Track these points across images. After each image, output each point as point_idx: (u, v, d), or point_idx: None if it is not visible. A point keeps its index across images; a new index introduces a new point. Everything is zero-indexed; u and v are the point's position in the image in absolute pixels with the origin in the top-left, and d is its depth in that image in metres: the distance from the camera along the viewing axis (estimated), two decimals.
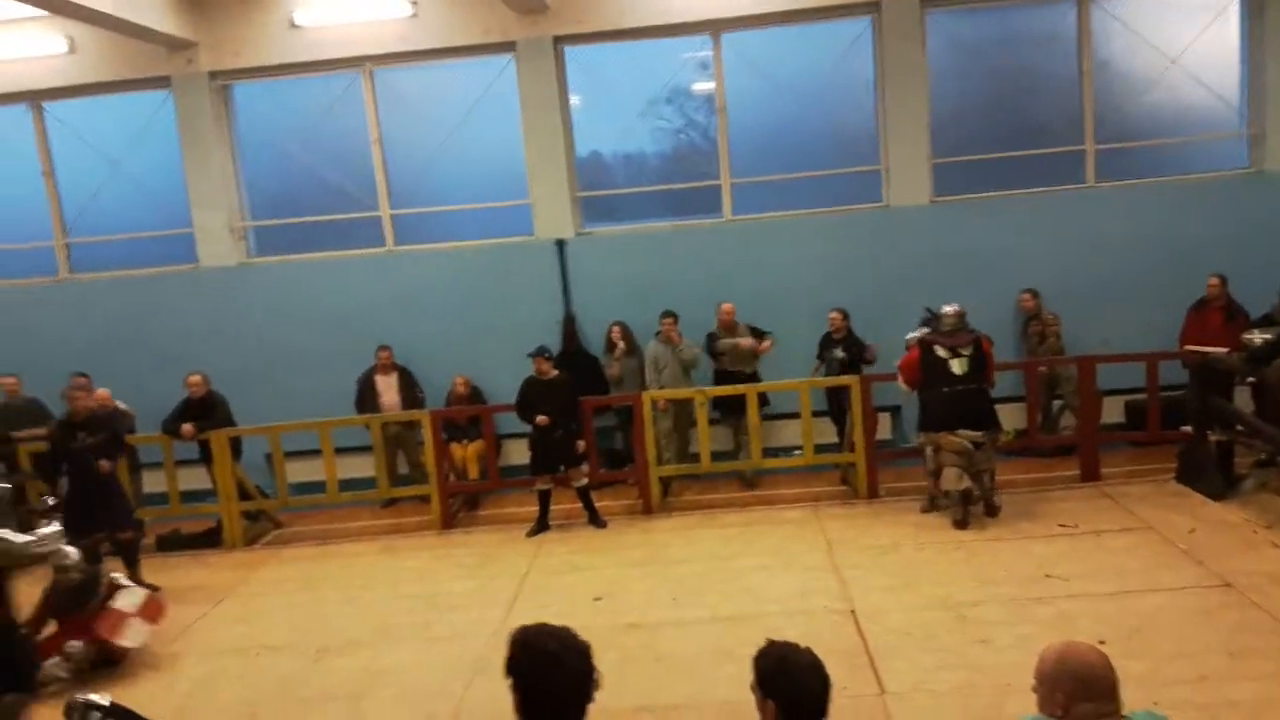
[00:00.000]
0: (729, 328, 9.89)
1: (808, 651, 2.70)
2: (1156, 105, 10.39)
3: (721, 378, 9.82)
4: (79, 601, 6.58)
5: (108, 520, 8.06)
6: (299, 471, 9.86)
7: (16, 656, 5.27)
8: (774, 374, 9.87)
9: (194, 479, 9.89)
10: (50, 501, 9.20)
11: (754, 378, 9.76)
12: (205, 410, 9.43)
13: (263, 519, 9.84)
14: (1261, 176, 10.18)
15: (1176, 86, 10.30)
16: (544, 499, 8.94)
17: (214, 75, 10.80)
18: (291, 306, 10.81)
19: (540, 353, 8.88)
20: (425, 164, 10.88)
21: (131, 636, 6.66)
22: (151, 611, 6.88)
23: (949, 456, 7.99)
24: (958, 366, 8.05)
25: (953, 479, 7.93)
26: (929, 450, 8.24)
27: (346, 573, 8.27)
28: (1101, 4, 10.20)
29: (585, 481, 8.98)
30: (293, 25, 10.52)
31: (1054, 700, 2.62)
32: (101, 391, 9.23)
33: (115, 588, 6.81)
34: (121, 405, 9.60)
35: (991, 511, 8.05)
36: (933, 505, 8.40)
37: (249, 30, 10.60)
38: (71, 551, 6.23)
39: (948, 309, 8.16)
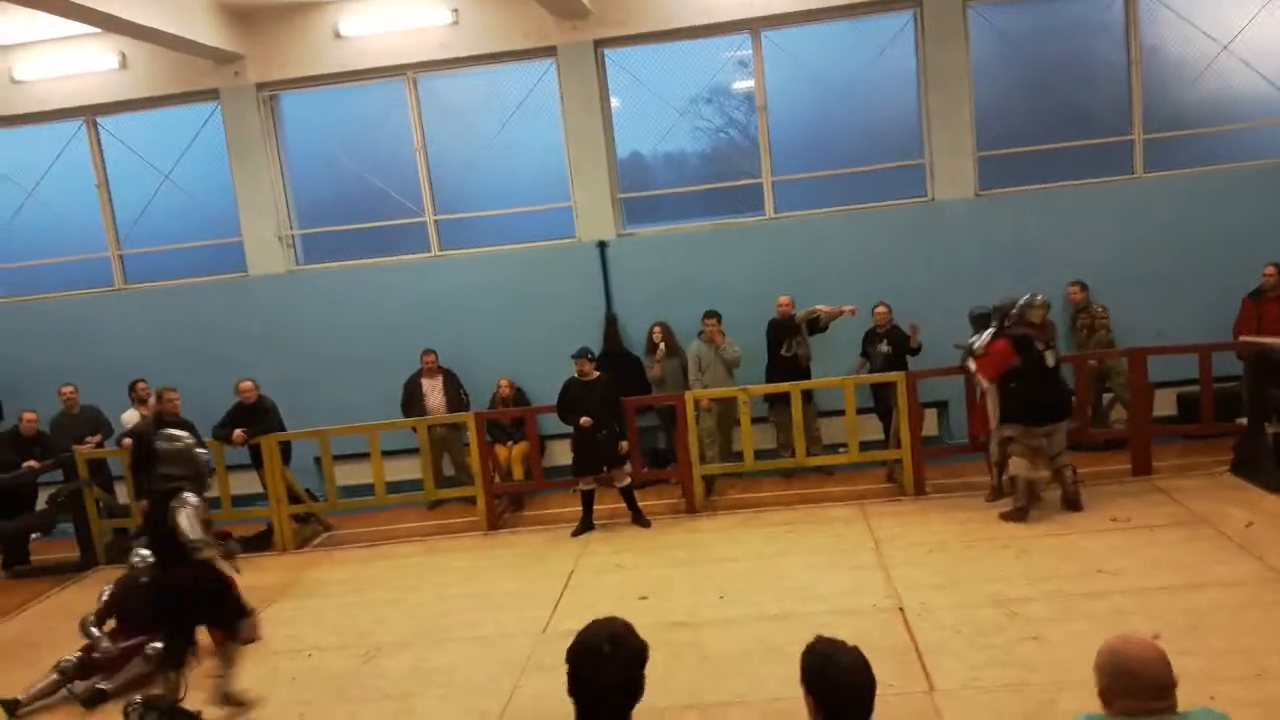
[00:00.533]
0: (787, 319, 9.86)
1: (854, 650, 2.69)
2: (1207, 93, 10.18)
3: (777, 369, 9.75)
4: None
5: None
6: (347, 474, 10.02)
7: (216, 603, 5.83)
8: (818, 371, 9.86)
9: (245, 483, 10.06)
10: (101, 507, 9.46)
11: (808, 371, 9.78)
12: (256, 416, 9.58)
13: (313, 522, 10.00)
14: None
15: (1227, 73, 10.07)
16: (587, 499, 8.98)
17: (261, 86, 11.01)
18: (338, 312, 10.99)
19: (582, 354, 8.92)
20: (468, 169, 11.00)
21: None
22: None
23: (1021, 447, 7.91)
24: (1050, 359, 7.99)
25: (1025, 467, 7.86)
26: (995, 443, 8.16)
27: (395, 574, 8.37)
28: None
29: (628, 482, 9.00)
30: (337, 35, 10.70)
31: (1102, 694, 2.60)
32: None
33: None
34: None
35: (1074, 505, 7.95)
36: (999, 495, 8.32)
37: (295, 42, 10.80)
38: (146, 553, 6.31)
39: (1038, 299, 8.05)
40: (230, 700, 5.97)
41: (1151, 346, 9.12)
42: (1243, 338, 8.69)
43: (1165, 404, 9.60)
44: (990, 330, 8.18)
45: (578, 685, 2.60)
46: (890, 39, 10.33)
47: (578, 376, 8.93)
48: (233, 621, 5.95)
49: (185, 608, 5.76)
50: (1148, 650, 2.54)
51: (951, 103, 10.16)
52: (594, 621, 2.70)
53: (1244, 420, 8.39)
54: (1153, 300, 9.86)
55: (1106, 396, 9.89)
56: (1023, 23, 10.39)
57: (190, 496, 5.66)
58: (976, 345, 8.25)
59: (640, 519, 8.96)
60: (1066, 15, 10.38)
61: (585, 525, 8.94)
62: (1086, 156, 10.24)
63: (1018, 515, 7.87)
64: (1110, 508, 7.89)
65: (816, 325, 9.79)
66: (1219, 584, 6.28)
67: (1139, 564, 6.71)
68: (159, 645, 6.15)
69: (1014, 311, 8.07)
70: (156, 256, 11.57)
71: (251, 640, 6.18)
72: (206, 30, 10.13)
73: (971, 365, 8.25)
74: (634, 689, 2.60)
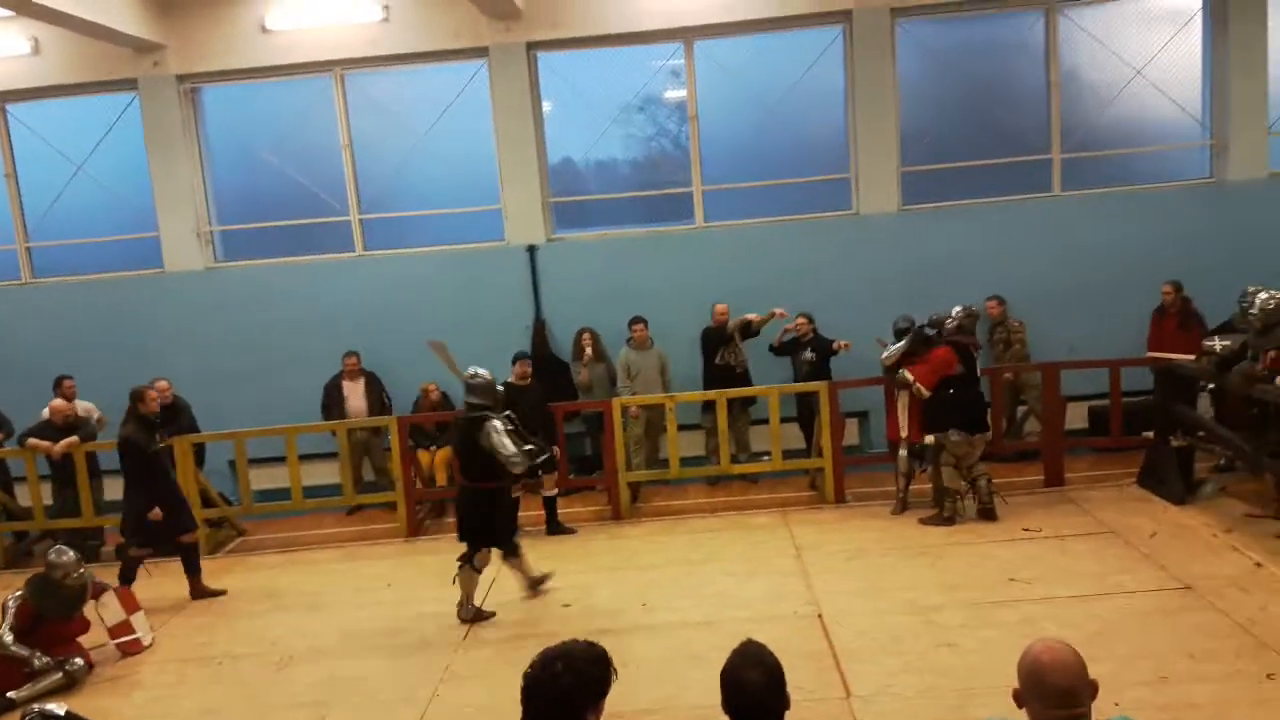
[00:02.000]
0: (721, 327, 9.96)
1: (756, 655, 2.74)
2: (1122, 115, 10.55)
3: (713, 377, 9.84)
4: (73, 607, 6.49)
5: (173, 524, 7.92)
6: (263, 478, 9.79)
7: (498, 518, 7.03)
8: (759, 378, 9.98)
9: None
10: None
11: (745, 377, 9.86)
12: (169, 416, 9.27)
13: (226, 526, 9.73)
14: (1223, 187, 10.35)
15: (1141, 97, 10.45)
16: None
17: (182, 78, 10.71)
18: (257, 312, 10.71)
19: (522, 356, 8.86)
20: (396, 168, 10.85)
21: (142, 632, 6.91)
22: (129, 602, 6.98)
23: (951, 456, 8.09)
24: (976, 368, 8.24)
25: (953, 475, 8.08)
26: (905, 452, 8.30)
27: (311, 580, 8.19)
28: (1069, 15, 10.35)
29: (555, 491, 8.92)
30: (263, 29, 10.46)
31: (1016, 696, 2.63)
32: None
33: (100, 589, 6.84)
34: (84, 410, 9.54)
35: (989, 515, 8.10)
36: (905, 508, 8.46)
37: (218, 33, 10.53)
38: (71, 553, 6.27)
39: (976, 309, 8.20)
40: (535, 585, 7.27)
41: (1065, 361, 9.38)
42: (1150, 354, 8.99)
43: (1077, 416, 9.88)
44: (900, 344, 8.27)
45: (525, 701, 2.66)
46: (820, 52, 10.48)
47: (515, 380, 8.83)
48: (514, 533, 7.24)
49: (491, 514, 6.96)
50: (1062, 656, 2.56)
51: (878, 117, 10.34)
52: (571, 639, 2.79)
53: (1151, 434, 8.67)
54: (1067, 315, 10.15)
55: (1021, 409, 10.14)
56: (949, 40, 10.65)
57: (496, 421, 6.76)
58: (884, 355, 8.37)
59: (559, 528, 8.87)
60: (991, 35, 10.68)
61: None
62: (1007, 173, 10.52)
63: (945, 522, 8.03)
64: (1023, 518, 8.09)
65: (749, 330, 9.89)
66: (1125, 592, 6.49)
67: (1049, 573, 6.90)
68: (80, 661, 6.41)
69: (952, 323, 8.24)
70: (68, 250, 11.14)
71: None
72: (125, 18, 9.82)
73: (909, 375, 8.21)
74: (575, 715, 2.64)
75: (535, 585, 7.29)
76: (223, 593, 8.00)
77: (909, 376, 8.17)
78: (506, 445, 6.68)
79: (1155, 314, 9.65)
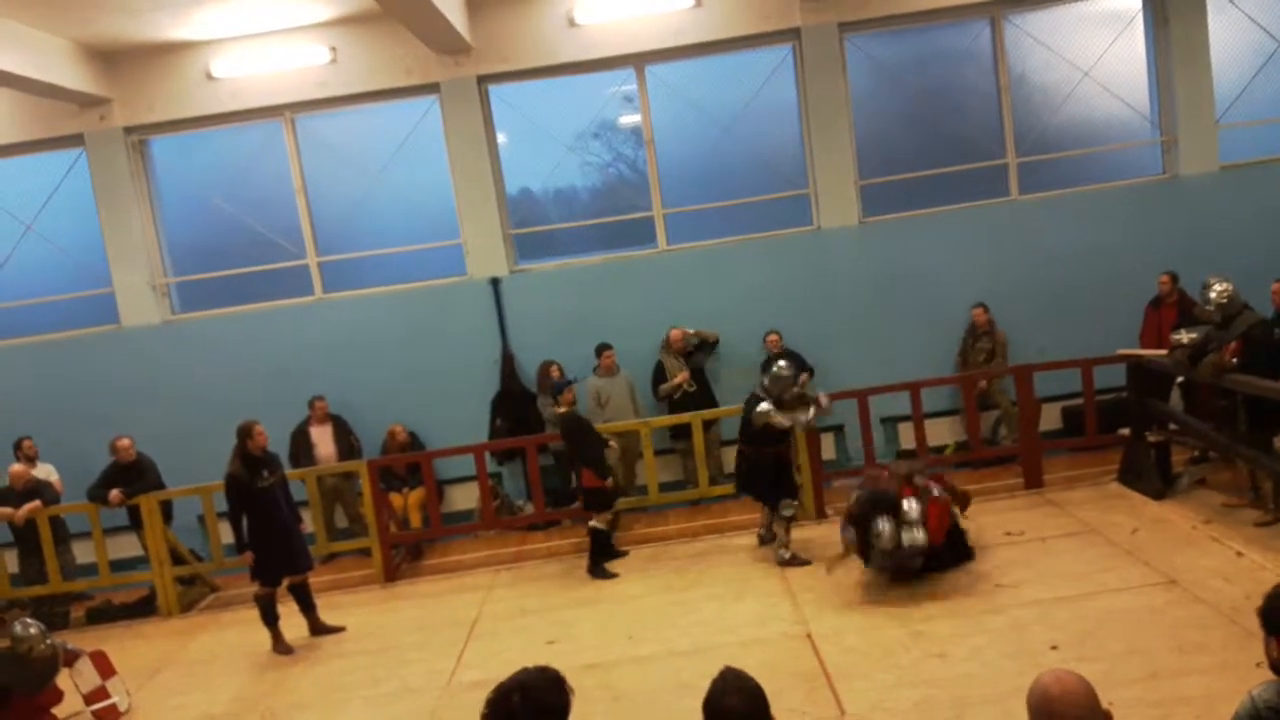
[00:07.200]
0: (679, 354, 9.99)
1: (736, 681, 2.72)
2: (1073, 117, 10.66)
3: (675, 403, 9.87)
4: (43, 680, 6.21)
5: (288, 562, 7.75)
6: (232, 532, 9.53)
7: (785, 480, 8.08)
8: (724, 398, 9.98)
9: (125, 546, 9.59)
10: None
11: (712, 399, 9.84)
12: (134, 474, 9.12)
13: (198, 583, 9.49)
14: (1175, 182, 10.47)
15: (1091, 98, 10.58)
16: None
17: (129, 130, 10.55)
18: (219, 362, 10.51)
19: (568, 384, 8.65)
20: (353, 209, 10.72)
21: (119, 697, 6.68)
22: (104, 667, 6.76)
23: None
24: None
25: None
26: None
27: (289, 633, 7.96)
28: (1014, 21, 10.47)
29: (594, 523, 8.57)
30: (209, 77, 10.34)
31: None
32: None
33: (73, 656, 6.61)
34: (43, 474, 9.32)
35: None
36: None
37: (164, 83, 10.39)
38: (36, 624, 6.03)
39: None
40: (793, 561, 7.80)
41: (1037, 363, 9.41)
42: (1121, 351, 9.00)
43: (1051, 418, 9.90)
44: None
45: None
46: (771, 72, 10.52)
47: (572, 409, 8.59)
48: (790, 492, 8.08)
49: (773, 478, 7.97)
50: (1071, 686, 2.49)
51: (833, 132, 10.38)
52: (523, 669, 2.70)
53: (1126, 430, 8.69)
54: (1034, 317, 10.19)
55: (994, 413, 10.14)
56: (898, 53, 10.73)
57: (765, 401, 7.79)
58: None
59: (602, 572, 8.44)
60: (938, 45, 10.76)
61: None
62: (964, 181, 10.58)
63: None
64: (1005, 522, 8.06)
65: (704, 345, 9.99)
66: (1110, 590, 6.47)
67: (1035, 575, 6.88)
68: None
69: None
70: (20, 311, 10.89)
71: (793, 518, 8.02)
72: (68, 73, 9.66)
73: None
74: None
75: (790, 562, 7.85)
76: (342, 629, 7.86)
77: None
78: (781, 419, 7.82)
79: (1149, 306, 9.64)
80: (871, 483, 7.26)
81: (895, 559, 6.89)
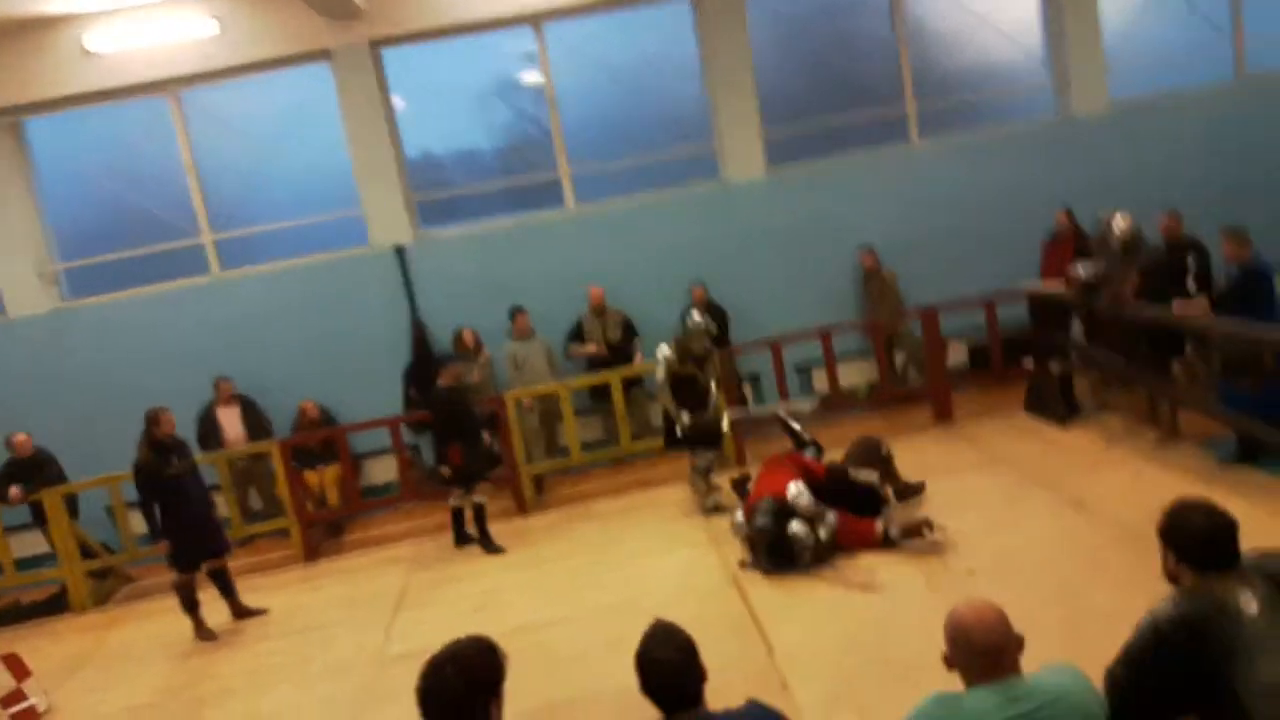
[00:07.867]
0: (599, 313, 9.89)
1: (665, 633, 2.80)
2: (970, 63, 10.87)
3: (592, 363, 9.82)
4: None
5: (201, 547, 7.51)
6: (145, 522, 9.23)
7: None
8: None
9: (31, 544, 9.26)
10: None
11: (626, 358, 9.79)
12: (33, 470, 8.78)
13: (111, 576, 9.18)
14: (1070, 122, 10.75)
15: (987, 44, 10.80)
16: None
17: (2, 112, 9.99)
18: (117, 348, 10.09)
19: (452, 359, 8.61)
20: (247, 183, 10.37)
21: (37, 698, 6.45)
22: (17, 669, 6.51)
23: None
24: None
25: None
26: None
27: (211, 619, 7.75)
28: None
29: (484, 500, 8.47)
30: (85, 52, 9.80)
31: (948, 662, 2.67)
32: None
33: None
34: None
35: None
36: None
37: (36, 61, 9.83)
38: None
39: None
40: (717, 509, 7.84)
41: (942, 303, 9.61)
42: (1025, 286, 9.24)
43: (958, 355, 10.15)
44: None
45: (423, 713, 2.55)
46: (670, 25, 10.45)
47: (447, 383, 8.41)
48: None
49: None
50: (986, 615, 2.61)
51: (735, 85, 10.37)
52: (455, 640, 2.67)
53: (1029, 363, 8.98)
54: (938, 258, 10.37)
55: (899, 356, 10.35)
56: (797, 3, 10.74)
57: (665, 346, 8.05)
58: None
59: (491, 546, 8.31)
60: None
61: (465, 537, 8.45)
62: (867, 128, 10.72)
63: None
64: (919, 459, 8.18)
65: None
66: (1024, 516, 6.69)
67: (950, 506, 7.00)
68: None
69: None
70: None
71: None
72: None
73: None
74: (475, 713, 2.55)
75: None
76: (265, 611, 7.68)
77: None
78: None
79: (1047, 243, 9.84)
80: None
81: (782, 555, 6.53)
